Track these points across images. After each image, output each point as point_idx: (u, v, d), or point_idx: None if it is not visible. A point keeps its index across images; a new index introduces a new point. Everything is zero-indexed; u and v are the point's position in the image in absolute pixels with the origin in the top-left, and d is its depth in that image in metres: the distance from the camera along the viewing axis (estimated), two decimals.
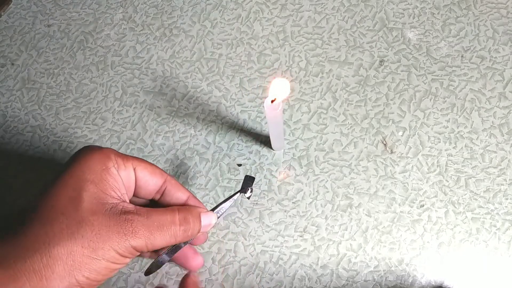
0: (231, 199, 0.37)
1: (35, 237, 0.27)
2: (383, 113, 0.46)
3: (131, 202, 0.34)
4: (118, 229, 0.28)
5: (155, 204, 0.36)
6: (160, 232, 0.30)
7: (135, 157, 0.34)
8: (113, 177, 0.31)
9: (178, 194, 0.35)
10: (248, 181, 0.39)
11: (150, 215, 0.30)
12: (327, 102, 0.47)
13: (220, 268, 0.42)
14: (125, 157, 0.33)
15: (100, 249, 0.28)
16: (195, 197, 0.36)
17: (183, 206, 0.33)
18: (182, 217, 0.32)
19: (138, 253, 0.31)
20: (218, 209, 0.37)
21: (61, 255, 0.26)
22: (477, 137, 0.44)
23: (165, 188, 0.35)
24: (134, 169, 0.33)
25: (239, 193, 0.38)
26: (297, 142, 0.46)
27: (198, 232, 0.34)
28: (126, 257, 0.30)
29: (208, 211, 0.35)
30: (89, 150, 0.31)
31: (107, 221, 0.28)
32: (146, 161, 0.34)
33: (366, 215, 0.43)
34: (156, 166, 0.35)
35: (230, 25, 0.51)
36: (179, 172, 0.45)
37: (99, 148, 0.32)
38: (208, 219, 0.34)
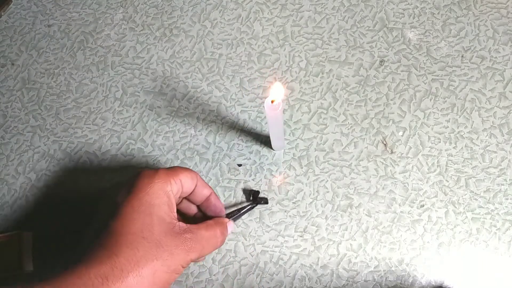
0: (245, 210, 0.42)
1: (125, 260, 0.31)
2: (383, 113, 0.46)
3: None
4: (183, 247, 0.33)
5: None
6: (208, 245, 0.36)
7: (177, 167, 0.37)
8: (171, 199, 0.35)
9: (204, 191, 0.38)
10: (252, 195, 0.44)
11: (198, 231, 0.35)
12: (327, 102, 0.47)
13: (220, 268, 0.42)
14: (174, 173, 0.36)
15: (173, 265, 0.33)
16: (216, 194, 0.40)
17: (217, 221, 0.38)
18: (219, 231, 0.37)
19: None
20: (233, 217, 0.41)
21: (149, 275, 0.31)
22: (477, 137, 0.44)
23: (196, 185, 0.38)
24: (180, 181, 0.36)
25: (253, 205, 0.43)
26: (297, 142, 0.46)
27: None
28: (185, 267, 0.34)
29: (229, 220, 0.40)
30: (149, 175, 0.35)
31: (174, 240, 0.33)
32: (185, 169, 0.37)
33: (366, 215, 0.43)
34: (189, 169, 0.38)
35: (230, 25, 0.51)
36: None
37: (156, 171, 0.35)
38: (231, 228, 0.40)
